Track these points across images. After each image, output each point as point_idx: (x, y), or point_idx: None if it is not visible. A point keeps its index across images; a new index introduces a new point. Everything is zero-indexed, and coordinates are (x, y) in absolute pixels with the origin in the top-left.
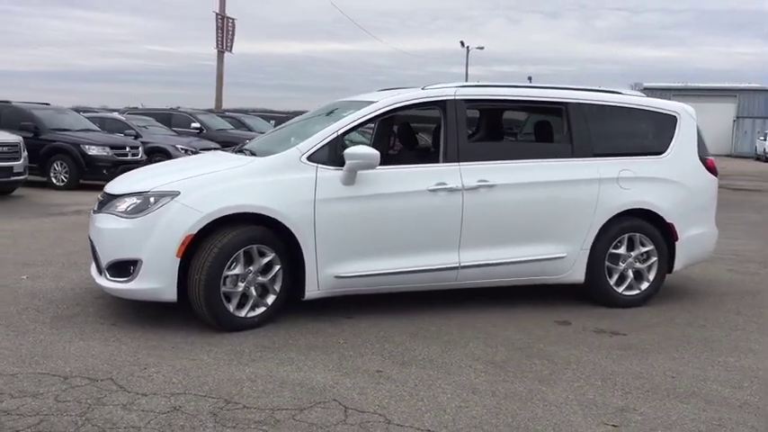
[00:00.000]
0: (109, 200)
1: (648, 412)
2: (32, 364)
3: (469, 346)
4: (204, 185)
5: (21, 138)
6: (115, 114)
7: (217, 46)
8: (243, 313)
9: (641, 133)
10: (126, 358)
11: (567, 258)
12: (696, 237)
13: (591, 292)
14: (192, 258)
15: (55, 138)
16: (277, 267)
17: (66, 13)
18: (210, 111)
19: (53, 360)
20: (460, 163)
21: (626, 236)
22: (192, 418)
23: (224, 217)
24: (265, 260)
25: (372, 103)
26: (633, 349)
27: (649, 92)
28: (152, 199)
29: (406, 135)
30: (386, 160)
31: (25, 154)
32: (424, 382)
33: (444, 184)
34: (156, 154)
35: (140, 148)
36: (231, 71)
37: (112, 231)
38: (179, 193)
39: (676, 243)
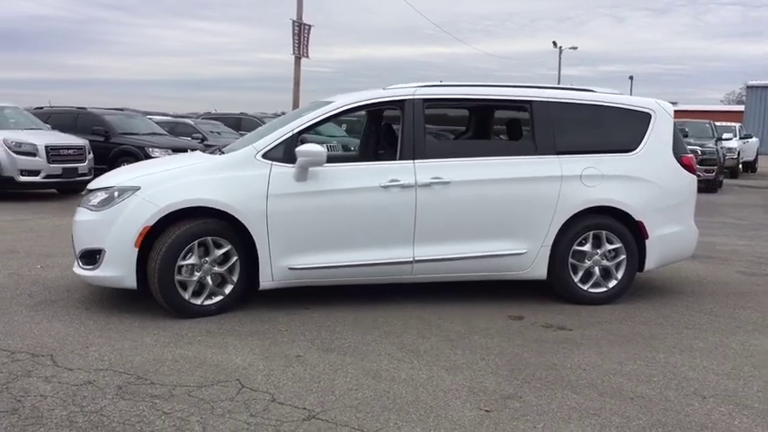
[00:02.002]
0: (87, 194)
1: (531, 400)
2: None
3: (403, 336)
4: (163, 181)
5: (86, 141)
6: (186, 119)
7: (294, 52)
8: (199, 301)
9: (611, 131)
10: (77, 338)
11: (527, 255)
12: (670, 235)
13: (555, 289)
14: (150, 249)
15: (123, 141)
16: (234, 258)
17: (182, 24)
18: (278, 115)
19: (12, 338)
20: (416, 160)
21: (591, 233)
22: (97, 391)
23: (180, 210)
24: (221, 251)
25: (330, 103)
26: (567, 343)
27: (753, 90)
28: (116, 193)
29: (388, 134)
30: (375, 158)
31: (90, 156)
32: (332, 367)
33: (397, 180)
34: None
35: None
36: (332, 77)
37: (83, 223)
38: (139, 188)
39: (646, 241)
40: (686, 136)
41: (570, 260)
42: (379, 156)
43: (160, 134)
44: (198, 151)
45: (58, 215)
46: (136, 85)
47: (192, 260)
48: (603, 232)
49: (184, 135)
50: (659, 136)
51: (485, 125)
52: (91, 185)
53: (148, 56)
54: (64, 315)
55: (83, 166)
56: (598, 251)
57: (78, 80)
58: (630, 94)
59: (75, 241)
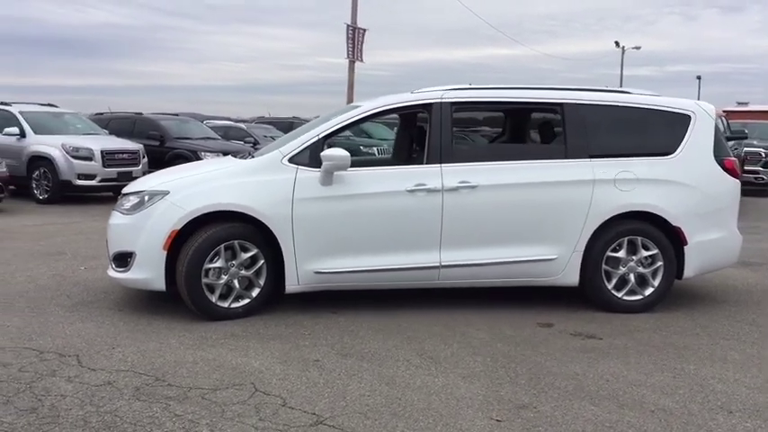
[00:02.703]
0: (121, 198)
1: (546, 410)
2: (25, 340)
3: (425, 343)
4: (191, 185)
5: (141, 145)
6: (239, 124)
7: (348, 56)
8: (226, 304)
9: (647, 134)
10: (105, 339)
11: (557, 260)
12: (711, 242)
13: (588, 296)
14: (179, 252)
15: (176, 145)
16: (261, 262)
17: (244, 30)
18: None
19: (44, 337)
20: (443, 164)
21: (626, 239)
22: (115, 392)
23: (207, 214)
24: (248, 255)
25: (358, 107)
26: (594, 352)
27: None
28: (146, 197)
29: (421, 138)
30: (408, 162)
31: (145, 160)
32: (348, 372)
33: (423, 185)
34: None
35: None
36: (391, 80)
37: (116, 227)
38: (168, 192)
39: (685, 248)
40: (745, 137)
41: (603, 266)
42: (413, 159)
43: (213, 138)
44: (229, 156)
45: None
46: (201, 91)
47: (218, 263)
48: (639, 238)
49: (237, 139)
50: (699, 138)
51: (515, 128)
52: (125, 190)
53: (212, 62)
54: (97, 316)
55: (137, 170)
56: (633, 257)
57: (146, 86)
58: (698, 95)
59: (109, 244)
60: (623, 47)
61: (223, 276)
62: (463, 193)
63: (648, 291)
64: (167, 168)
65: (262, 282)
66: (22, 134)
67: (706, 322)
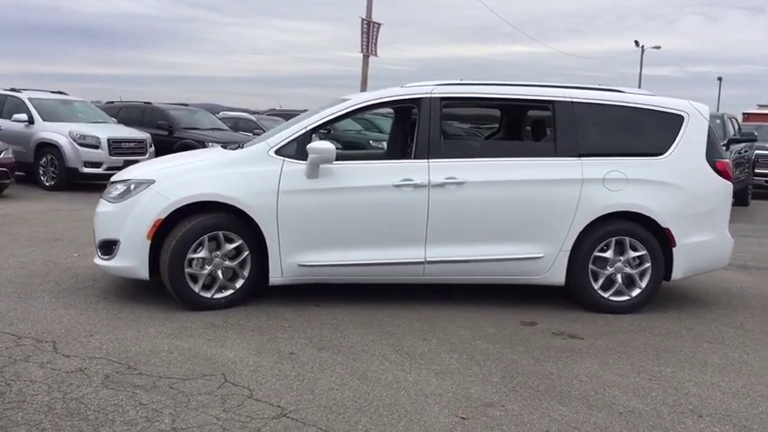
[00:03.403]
0: (108, 186)
1: (513, 409)
2: (5, 325)
3: (403, 338)
4: (176, 175)
5: (148, 135)
6: (248, 115)
7: (362, 50)
8: (209, 294)
9: (638, 133)
10: (85, 326)
11: (543, 259)
12: (701, 244)
13: (574, 296)
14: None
15: (184, 135)
16: (245, 253)
17: (266, 23)
18: None
19: (24, 323)
20: (430, 160)
21: (614, 239)
22: (84, 379)
23: (192, 204)
24: (232, 246)
25: (346, 100)
26: (572, 352)
27: None
28: (132, 186)
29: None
30: (401, 157)
31: (152, 149)
32: (321, 366)
33: (410, 180)
34: None
35: None
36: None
37: (102, 214)
38: (154, 181)
39: (674, 249)
40: (755, 140)
41: (590, 266)
42: (406, 154)
43: (221, 129)
44: (218, 146)
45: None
46: (222, 82)
47: (202, 254)
48: (627, 238)
49: (247, 131)
50: (692, 139)
51: (504, 125)
52: (113, 178)
53: (237, 54)
54: (81, 303)
55: (144, 159)
56: (621, 258)
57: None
58: (719, 96)
59: (95, 232)
60: (643, 46)
61: (207, 267)
62: (450, 189)
63: (636, 292)
64: (158, 157)
65: (246, 273)
66: (31, 121)
67: (692, 324)
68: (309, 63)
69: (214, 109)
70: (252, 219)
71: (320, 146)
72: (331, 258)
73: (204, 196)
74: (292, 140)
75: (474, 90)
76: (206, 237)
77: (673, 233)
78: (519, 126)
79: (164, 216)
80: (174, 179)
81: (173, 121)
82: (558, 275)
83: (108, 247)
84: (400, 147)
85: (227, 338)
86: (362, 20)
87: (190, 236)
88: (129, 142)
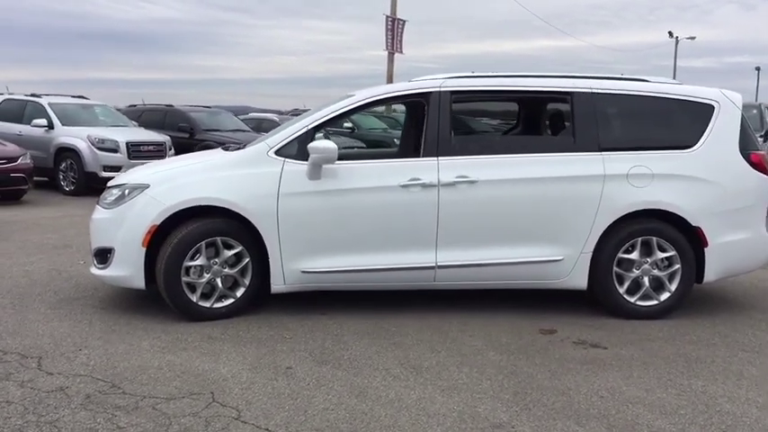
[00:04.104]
0: (104, 192)
1: (523, 431)
2: None
3: (411, 350)
4: (172, 179)
5: (167, 138)
6: (272, 116)
7: (386, 48)
8: (208, 304)
9: (665, 125)
10: (76, 339)
11: (564, 262)
12: (736, 243)
13: (598, 301)
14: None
15: (206, 137)
16: (246, 260)
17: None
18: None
19: (14, 337)
20: (439, 157)
21: (639, 239)
22: (64, 399)
23: (189, 209)
24: (231, 252)
25: (351, 96)
26: (594, 364)
27: None
28: (127, 191)
29: None
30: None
31: (171, 152)
32: (318, 382)
33: (418, 179)
34: None
35: None
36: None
37: (97, 221)
38: (148, 185)
39: (706, 249)
40: None
41: (615, 269)
42: (415, 152)
43: (243, 131)
44: (219, 148)
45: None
46: (257, 84)
47: (199, 261)
48: (654, 238)
49: (269, 131)
50: (723, 130)
51: (519, 119)
52: (109, 183)
53: (268, 55)
54: (77, 314)
55: None
56: (648, 259)
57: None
58: (757, 86)
59: (91, 239)
60: (677, 37)
61: (205, 275)
62: (461, 189)
63: (664, 296)
64: (157, 161)
65: (247, 281)
66: (51, 126)
67: (726, 331)
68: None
69: (245, 110)
70: (251, 223)
71: (321, 145)
72: (335, 264)
73: (200, 200)
74: (293, 140)
75: (486, 83)
76: (203, 243)
77: (704, 232)
78: (535, 120)
79: (158, 222)
80: (169, 183)
81: (194, 124)
82: (579, 279)
83: (103, 256)
84: (411, 145)
85: (223, 352)
86: (386, 17)
87: (186, 242)
88: (149, 145)
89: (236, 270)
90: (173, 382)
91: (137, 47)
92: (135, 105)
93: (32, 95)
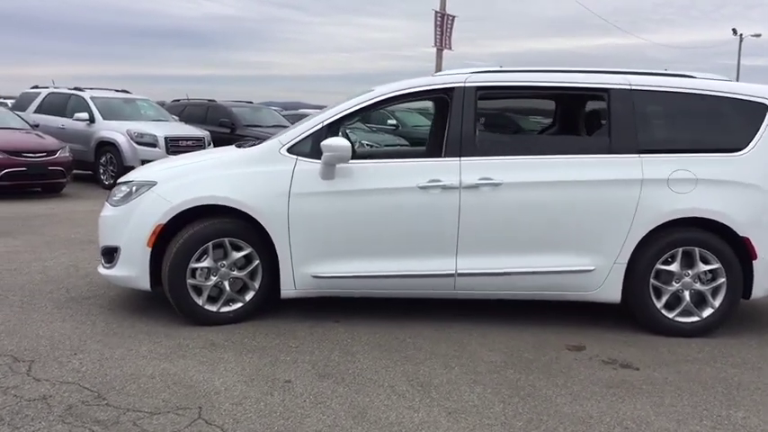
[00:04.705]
0: (114, 188)
1: None
2: None
3: (423, 364)
4: (180, 176)
5: (207, 133)
6: (315, 111)
7: (435, 44)
8: (215, 308)
9: (712, 126)
10: (74, 342)
11: (595, 272)
12: None
13: (633, 315)
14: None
15: (246, 133)
16: (255, 262)
17: (350, 21)
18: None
19: (11, 338)
20: (462, 158)
21: (680, 250)
22: (44, 409)
23: (195, 208)
24: (240, 254)
25: (370, 92)
26: (622, 387)
27: None
28: (134, 188)
29: None
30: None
31: (210, 147)
32: (316, 399)
33: (438, 180)
34: None
35: None
36: None
37: (104, 219)
38: (156, 183)
39: (754, 262)
40: None
41: (652, 281)
42: (437, 152)
43: (285, 126)
44: (232, 145)
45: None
46: (311, 80)
47: (206, 263)
48: (697, 249)
49: None
50: None
51: (550, 118)
52: (120, 179)
53: (322, 52)
54: (83, 314)
55: None
56: (689, 272)
57: (260, 76)
58: None
59: (99, 238)
60: (741, 35)
61: (212, 277)
62: (484, 192)
63: (707, 312)
64: (169, 157)
65: (257, 284)
66: (92, 119)
67: None
68: (392, 60)
69: (297, 106)
70: (261, 224)
71: (334, 143)
72: (348, 269)
73: (207, 199)
74: (307, 137)
75: (515, 78)
76: (210, 244)
77: (753, 243)
78: (567, 119)
79: (164, 221)
80: (176, 180)
81: (234, 119)
82: (612, 291)
83: (110, 255)
84: (434, 144)
85: (222, 361)
86: (436, 12)
87: (192, 243)
88: (187, 140)
89: (245, 273)
90: (161, 393)
91: (193, 43)
92: (179, 100)
93: (75, 89)
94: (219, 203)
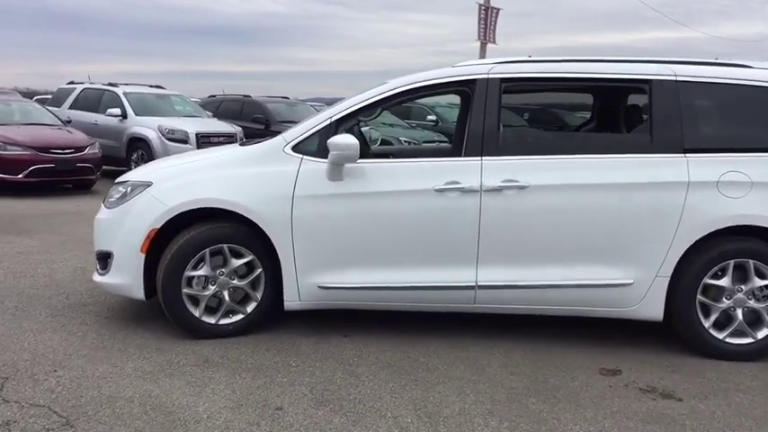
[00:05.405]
0: (110, 189)
1: None
2: None
3: (434, 389)
4: (176, 176)
5: (239, 129)
6: None
7: (479, 37)
8: (213, 320)
9: None
10: (57, 356)
11: (634, 286)
12: None
13: (678, 336)
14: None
15: (280, 129)
16: (258, 271)
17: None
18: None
19: None
20: (484, 157)
21: (732, 262)
22: None
23: (193, 210)
24: (241, 262)
25: (384, 84)
26: (661, 423)
27: None
28: (129, 189)
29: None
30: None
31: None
32: (306, 430)
33: (456, 182)
34: (379, 144)
35: None
36: None
37: (98, 222)
38: (151, 183)
39: None
40: None
41: (699, 297)
42: (456, 150)
43: None
44: (237, 144)
45: None
46: (357, 77)
47: (203, 271)
48: (751, 261)
49: None
50: None
51: (587, 113)
52: (117, 179)
53: (369, 48)
54: (75, 324)
55: None
56: (742, 287)
57: (306, 72)
58: None
59: (94, 242)
60: None
61: (210, 286)
62: (508, 195)
63: (762, 333)
64: (171, 156)
65: (259, 295)
66: (124, 115)
67: None
68: (437, 55)
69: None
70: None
71: (340, 140)
72: (357, 279)
73: (203, 201)
74: (314, 134)
75: (545, 68)
76: (207, 251)
77: None
78: (604, 114)
79: (158, 225)
80: (172, 181)
81: (269, 115)
82: (653, 308)
83: (104, 261)
84: (456, 142)
85: (212, 381)
86: (480, 5)
87: (187, 249)
88: (219, 136)
89: (246, 282)
90: (135, 421)
91: (240, 40)
92: (215, 96)
93: (109, 84)
94: (217, 206)
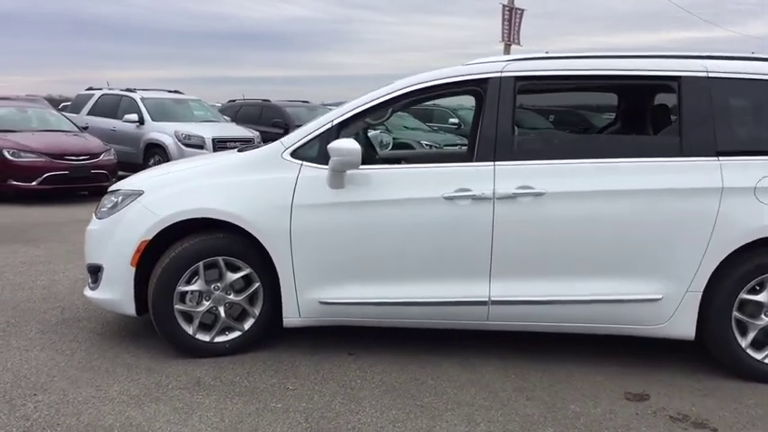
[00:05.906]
0: (102, 198)
1: None
2: None
3: (441, 418)
4: (169, 184)
5: (257, 133)
6: None
7: (503, 39)
8: (208, 337)
9: None
10: (39, 378)
11: (663, 302)
12: None
13: (711, 355)
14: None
15: None
16: (256, 285)
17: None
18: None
19: None
20: (497, 162)
21: None
22: None
23: (185, 221)
24: (237, 276)
25: (390, 85)
26: None
27: None
28: (120, 198)
29: None
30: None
31: None
32: None
33: (467, 190)
34: (399, 148)
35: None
36: None
37: (89, 233)
38: (143, 192)
39: None
40: None
41: (735, 314)
42: (467, 155)
43: None
44: (235, 149)
45: None
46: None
47: (197, 286)
48: None
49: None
50: None
51: (612, 114)
52: (110, 188)
53: (396, 52)
54: (65, 342)
55: None
56: None
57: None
58: None
59: (84, 255)
60: None
61: (204, 302)
62: (524, 203)
63: None
64: (166, 163)
65: (257, 311)
66: (141, 121)
67: None
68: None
69: None
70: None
71: (340, 145)
72: (361, 294)
73: (196, 212)
74: (314, 138)
75: (562, 65)
76: (201, 264)
77: None
78: (628, 114)
79: (149, 237)
80: (165, 190)
81: (288, 119)
82: (684, 326)
83: (95, 274)
84: (468, 146)
85: (200, 407)
86: (503, 6)
87: (179, 263)
88: (236, 141)
89: (243, 297)
90: None
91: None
92: (234, 101)
93: (127, 90)
94: (211, 216)
